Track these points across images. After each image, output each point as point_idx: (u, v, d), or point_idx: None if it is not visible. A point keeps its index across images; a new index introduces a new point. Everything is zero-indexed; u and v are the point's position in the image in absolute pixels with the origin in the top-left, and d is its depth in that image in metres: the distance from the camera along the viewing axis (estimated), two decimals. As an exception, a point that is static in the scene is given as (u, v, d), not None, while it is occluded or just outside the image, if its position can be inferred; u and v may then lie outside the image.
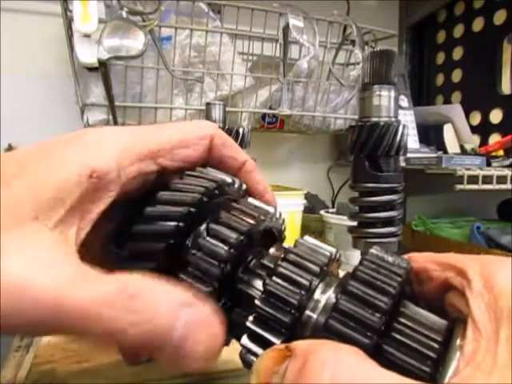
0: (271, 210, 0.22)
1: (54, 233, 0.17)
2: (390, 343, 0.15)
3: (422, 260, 0.18)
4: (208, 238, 0.18)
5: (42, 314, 0.14)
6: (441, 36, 0.97)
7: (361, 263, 0.17)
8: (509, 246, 0.65)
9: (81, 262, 0.17)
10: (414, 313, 0.16)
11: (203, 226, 0.19)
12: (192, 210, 0.19)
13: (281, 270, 0.17)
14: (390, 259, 0.17)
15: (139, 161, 0.20)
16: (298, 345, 0.14)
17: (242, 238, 0.18)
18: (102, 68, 0.51)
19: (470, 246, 0.71)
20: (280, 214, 0.23)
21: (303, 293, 0.17)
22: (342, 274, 0.19)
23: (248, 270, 0.20)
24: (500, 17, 0.82)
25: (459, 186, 0.59)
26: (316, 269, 0.17)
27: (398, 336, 0.15)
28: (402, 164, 0.65)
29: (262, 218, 0.20)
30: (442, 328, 0.15)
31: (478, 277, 0.15)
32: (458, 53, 0.93)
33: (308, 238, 0.19)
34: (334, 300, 0.17)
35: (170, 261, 0.18)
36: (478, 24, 0.87)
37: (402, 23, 0.99)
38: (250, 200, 0.22)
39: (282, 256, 0.18)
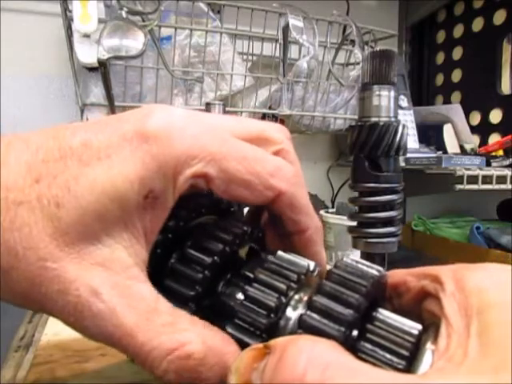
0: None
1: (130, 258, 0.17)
2: (364, 343, 0.16)
3: (400, 274, 0.19)
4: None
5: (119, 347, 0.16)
6: (440, 36, 0.97)
7: (335, 266, 0.18)
8: (508, 246, 0.65)
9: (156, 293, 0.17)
10: (388, 317, 0.17)
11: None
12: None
13: (260, 276, 0.18)
14: (364, 264, 0.18)
15: (194, 178, 0.18)
16: (277, 341, 0.14)
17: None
18: (102, 68, 0.50)
19: (469, 246, 0.71)
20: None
21: (281, 297, 0.17)
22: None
23: (229, 283, 0.20)
24: (500, 17, 0.82)
25: (459, 186, 0.59)
26: (294, 276, 0.18)
27: (371, 336, 0.16)
28: (402, 164, 0.65)
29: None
30: (415, 330, 0.16)
31: (451, 279, 0.16)
32: (457, 53, 0.93)
33: (286, 253, 0.20)
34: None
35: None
36: (477, 24, 0.87)
37: (401, 23, 0.99)
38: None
39: (263, 265, 0.19)
